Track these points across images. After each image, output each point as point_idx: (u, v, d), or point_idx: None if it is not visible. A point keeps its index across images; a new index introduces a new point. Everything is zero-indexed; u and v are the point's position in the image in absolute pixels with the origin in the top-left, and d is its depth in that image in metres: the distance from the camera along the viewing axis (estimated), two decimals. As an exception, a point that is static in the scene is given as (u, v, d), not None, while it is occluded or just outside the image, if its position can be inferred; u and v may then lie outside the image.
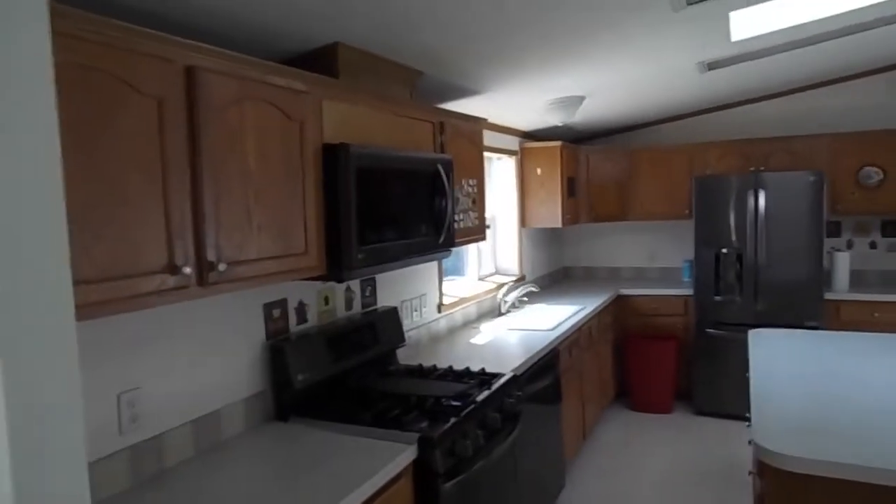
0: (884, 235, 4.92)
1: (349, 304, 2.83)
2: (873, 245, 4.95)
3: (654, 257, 5.69)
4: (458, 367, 2.78)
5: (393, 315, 2.96)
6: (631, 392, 5.01)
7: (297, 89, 1.93)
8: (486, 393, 2.44)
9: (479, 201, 3.26)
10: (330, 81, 2.12)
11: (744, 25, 3.06)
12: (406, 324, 3.21)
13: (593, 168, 5.29)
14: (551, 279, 5.63)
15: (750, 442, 1.98)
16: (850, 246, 4.98)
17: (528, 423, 2.94)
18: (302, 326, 2.51)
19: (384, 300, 3.08)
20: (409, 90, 2.79)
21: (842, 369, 2.62)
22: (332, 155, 2.07)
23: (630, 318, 5.13)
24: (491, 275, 4.78)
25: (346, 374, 2.56)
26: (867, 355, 2.83)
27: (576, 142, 5.64)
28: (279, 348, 2.28)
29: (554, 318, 3.87)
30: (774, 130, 5.02)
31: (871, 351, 2.90)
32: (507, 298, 4.20)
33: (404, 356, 3.08)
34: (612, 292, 4.95)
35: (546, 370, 3.25)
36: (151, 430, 1.85)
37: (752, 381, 2.48)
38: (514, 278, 4.66)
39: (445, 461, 2.05)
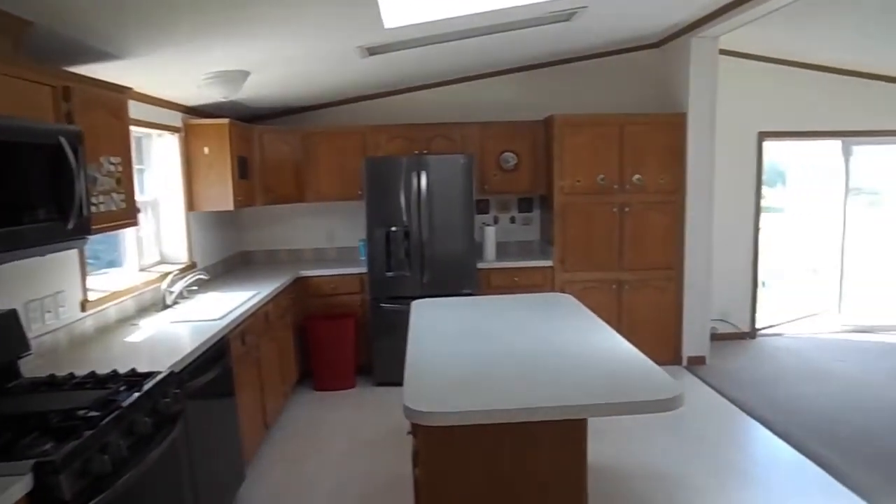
0: (520, 211, 5.80)
1: (-58, 310, 2.24)
2: (513, 220, 5.81)
3: (333, 238, 5.80)
4: (105, 370, 2.42)
5: (11, 320, 2.43)
6: (314, 372, 5.05)
7: None
8: (134, 396, 2.15)
9: (125, 181, 2.87)
10: None
11: (395, 14, 3.23)
12: (36, 328, 2.69)
13: (267, 148, 5.13)
14: (227, 265, 5.33)
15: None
16: (496, 221, 5.76)
17: (195, 422, 2.71)
18: None
19: (-1, 302, 2.51)
20: (15, 44, 2.29)
21: (485, 328, 2.98)
22: None
23: (310, 299, 5.14)
24: (156, 264, 4.32)
25: (-62, 400, 2.02)
26: (508, 313, 3.27)
27: (251, 120, 5.41)
28: None
29: (225, 306, 3.65)
30: (436, 117, 5.51)
31: (511, 309, 3.37)
32: (173, 289, 3.83)
33: (33, 368, 2.56)
34: (291, 275, 4.90)
35: (214, 362, 3.04)
36: None
37: (408, 349, 2.65)
38: (182, 266, 4.28)
39: (75, 484, 1.74)
